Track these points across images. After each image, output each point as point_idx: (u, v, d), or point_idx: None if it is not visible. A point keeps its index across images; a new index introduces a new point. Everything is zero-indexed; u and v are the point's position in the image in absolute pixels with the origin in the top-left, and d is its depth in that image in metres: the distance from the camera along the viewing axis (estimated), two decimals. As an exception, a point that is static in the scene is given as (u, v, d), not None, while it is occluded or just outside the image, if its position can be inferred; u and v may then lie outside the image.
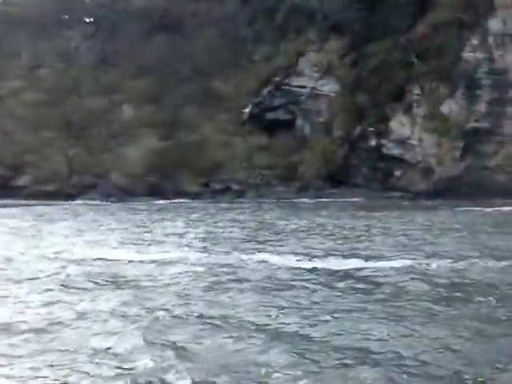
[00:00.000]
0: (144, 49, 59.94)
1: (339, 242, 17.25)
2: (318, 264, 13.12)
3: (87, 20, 65.98)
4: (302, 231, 20.57)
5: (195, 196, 48.39)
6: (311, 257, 14.14)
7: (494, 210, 30.24)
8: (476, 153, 41.26)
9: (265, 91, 58.37)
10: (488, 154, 40.86)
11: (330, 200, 45.03)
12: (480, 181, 39.21)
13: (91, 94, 57.99)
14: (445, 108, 43.56)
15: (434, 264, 12.94)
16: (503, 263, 13.11)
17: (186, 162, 52.47)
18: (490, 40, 41.28)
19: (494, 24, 41.06)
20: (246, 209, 35.63)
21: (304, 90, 57.05)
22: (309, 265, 13.04)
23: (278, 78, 57.79)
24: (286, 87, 57.28)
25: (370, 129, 47.97)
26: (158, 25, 61.30)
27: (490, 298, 9.68)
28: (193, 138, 55.81)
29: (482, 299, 9.65)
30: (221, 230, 21.20)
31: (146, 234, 20.30)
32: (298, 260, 13.73)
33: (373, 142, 47.85)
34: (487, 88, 41.52)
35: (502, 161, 40.02)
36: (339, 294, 10.29)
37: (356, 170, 48.68)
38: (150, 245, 17.24)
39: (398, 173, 46.36)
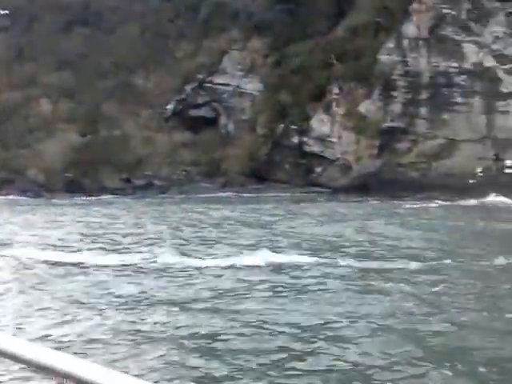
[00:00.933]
0: (63, 42, 57.95)
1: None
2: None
3: (2, 12, 62.86)
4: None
5: (116, 192, 47.86)
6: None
7: (403, 203, 32.74)
8: (391, 150, 42.72)
9: (188, 88, 58.04)
10: (402, 152, 42.38)
11: (252, 195, 45.67)
12: (395, 177, 40.61)
13: (6, 88, 55.34)
14: (362, 108, 44.92)
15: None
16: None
17: (108, 157, 51.45)
18: (405, 44, 42.97)
19: (409, 28, 42.90)
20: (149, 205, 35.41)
21: (227, 88, 57.05)
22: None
23: (201, 76, 57.57)
24: (210, 85, 57.10)
25: (293, 127, 48.67)
26: (77, 18, 59.38)
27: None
28: (114, 134, 54.76)
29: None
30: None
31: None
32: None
33: (295, 140, 48.63)
34: (402, 89, 43.08)
35: (415, 158, 41.61)
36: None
37: (279, 167, 49.31)
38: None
39: (318, 169, 47.29)
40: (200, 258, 14.31)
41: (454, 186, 36.97)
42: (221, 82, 56.69)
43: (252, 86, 55.33)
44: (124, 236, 18.60)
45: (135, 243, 16.96)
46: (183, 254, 14.70)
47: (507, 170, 33.90)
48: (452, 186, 37.26)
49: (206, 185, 53.53)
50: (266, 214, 25.66)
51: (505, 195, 30.83)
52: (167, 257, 14.28)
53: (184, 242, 17.19)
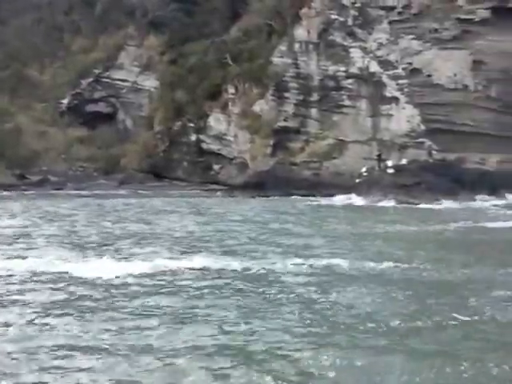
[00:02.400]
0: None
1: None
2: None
3: None
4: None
5: (9, 187, 45.14)
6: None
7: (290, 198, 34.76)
8: (285, 149, 42.92)
9: (84, 83, 56.03)
10: (295, 151, 42.65)
11: (148, 192, 44.83)
12: (289, 175, 40.95)
13: None
14: (257, 107, 44.70)
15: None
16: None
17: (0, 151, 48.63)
18: (296, 47, 43.02)
19: (299, 32, 43.09)
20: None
21: (125, 84, 55.95)
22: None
23: (97, 71, 55.74)
24: (107, 80, 55.78)
25: (190, 124, 47.92)
26: (-33, 7, 55.55)
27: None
28: (6, 127, 51.95)
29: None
30: None
31: None
32: None
33: (193, 137, 47.94)
34: (294, 91, 43.19)
35: (307, 157, 41.95)
36: None
37: (177, 164, 48.35)
38: None
39: (216, 167, 46.92)
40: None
41: (342, 184, 37.69)
42: (118, 77, 55.52)
43: (149, 82, 54.21)
44: None
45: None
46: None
47: (389, 170, 35.09)
48: (340, 184, 38.00)
49: (103, 181, 52.16)
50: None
51: (384, 194, 32.07)
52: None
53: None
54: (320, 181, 40.11)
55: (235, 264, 12.38)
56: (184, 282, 10.86)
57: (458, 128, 37.89)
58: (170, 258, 13.31)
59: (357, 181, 36.25)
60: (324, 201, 33.89)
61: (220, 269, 11.96)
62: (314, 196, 36.67)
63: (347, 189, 36.01)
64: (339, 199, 33.73)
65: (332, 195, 36.24)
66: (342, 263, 12.43)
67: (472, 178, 34.50)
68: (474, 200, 32.16)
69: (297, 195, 37.60)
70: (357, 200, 32.62)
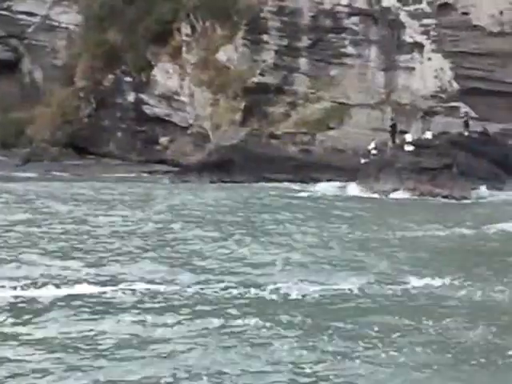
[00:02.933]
0: None
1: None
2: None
3: None
4: None
5: None
6: None
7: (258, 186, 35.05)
8: (262, 116, 43.06)
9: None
10: (276, 119, 42.78)
11: (65, 174, 44.25)
12: (266, 152, 40.92)
13: None
14: (222, 56, 44.71)
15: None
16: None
17: None
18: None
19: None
20: None
21: (32, 19, 55.62)
22: None
23: (-8, 0, 55.39)
24: (7, 14, 55.53)
25: (127, 79, 48.07)
26: None
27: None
28: None
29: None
30: None
31: None
32: None
33: (130, 97, 48.16)
34: (275, 33, 43.17)
35: (293, 127, 42.00)
36: None
37: (108, 135, 48.68)
38: None
39: (164, 140, 47.23)
40: None
41: (343, 166, 37.91)
42: (22, 9, 55.33)
43: (67, 17, 53.94)
44: None
45: None
46: None
47: (407, 147, 34.93)
48: (340, 166, 38.28)
49: (0, 158, 51.59)
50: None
51: (400, 181, 32.06)
52: None
53: None
54: (311, 161, 40.35)
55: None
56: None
57: (506, 88, 38.27)
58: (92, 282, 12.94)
59: (362, 161, 36.16)
60: (314, 188, 33.98)
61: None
62: (303, 182, 36.99)
63: (349, 172, 35.96)
64: (332, 188, 33.82)
65: (328, 180, 36.55)
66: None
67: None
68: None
69: (276, 181, 37.94)
70: (355, 190, 32.74)
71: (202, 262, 15.30)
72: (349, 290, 12.67)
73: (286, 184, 36.62)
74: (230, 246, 17.29)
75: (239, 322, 10.53)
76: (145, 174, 44.55)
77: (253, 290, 12.61)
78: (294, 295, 12.28)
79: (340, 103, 42.06)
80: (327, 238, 18.59)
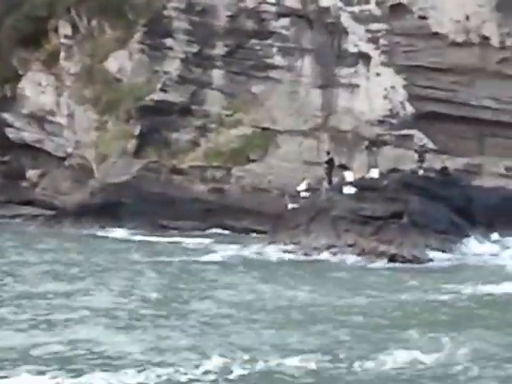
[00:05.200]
0: None
1: None
2: None
3: None
4: None
5: None
6: None
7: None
8: (162, 144, 43.34)
9: None
10: (181, 148, 43.29)
11: None
12: (166, 192, 41.29)
13: None
14: (112, 64, 45.13)
15: None
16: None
17: None
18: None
19: None
20: None
21: None
22: None
23: None
24: None
25: (-15, 92, 47.14)
26: None
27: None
28: None
29: None
30: None
31: None
32: None
33: (-12, 118, 47.28)
34: (182, 36, 43.79)
35: (202, 160, 42.56)
36: None
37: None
38: None
39: (33, 174, 47.13)
40: None
41: (266, 211, 38.30)
42: None
43: None
44: None
45: None
46: None
47: (347, 190, 34.63)
48: (262, 211, 38.77)
49: None
50: None
51: (336, 236, 31.57)
52: None
53: None
54: (224, 204, 40.88)
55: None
56: None
57: (473, 113, 38.76)
58: None
59: (289, 206, 35.95)
60: (221, 249, 33.05)
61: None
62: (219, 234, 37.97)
63: (273, 219, 36.07)
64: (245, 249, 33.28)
65: (248, 232, 37.49)
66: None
67: (493, 204, 35.06)
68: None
69: (179, 229, 38.59)
70: (271, 250, 32.29)
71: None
72: None
73: (187, 241, 36.18)
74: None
75: None
76: (6, 220, 44.34)
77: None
78: None
79: (264, 129, 42.49)
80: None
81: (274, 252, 31.99)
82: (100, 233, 39.16)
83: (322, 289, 23.38)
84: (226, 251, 32.35)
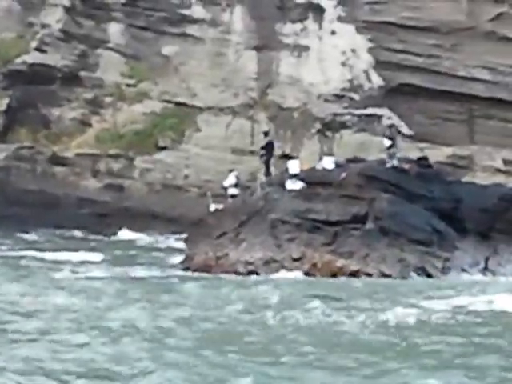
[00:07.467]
0: None
1: None
2: None
3: None
4: None
5: None
6: None
7: None
8: (37, 124, 43.74)
9: None
10: (64, 129, 43.60)
11: None
12: (43, 189, 41.69)
13: None
14: None
15: None
16: None
17: None
18: None
19: None
20: None
21: None
22: None
23: None
24: None
25: None
26: None
27: None
28: None
29: None
30: None
31: None
32: None
33: None
34: None
35: (94, 146, 42.89)
36: None
37: None
38: None
39: None
40: None
41: (180, 215, 39.30)
42: None
43: None
44: None
45: None
46: None
47: (291, 185, 34.05)
48: (174, 215, 39.82)
49: None
50: None
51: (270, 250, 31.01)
52: None
53: None
54: (123, 205, 41.52)
55: None
56: None
57: (459, 87, 40.04)
58: None
59: (212, 207, 35.27)
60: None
61: None
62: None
63: (190, 225, 36.35)
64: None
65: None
66: None
67: (487, 206, 34.45)
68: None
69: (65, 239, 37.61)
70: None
71: None
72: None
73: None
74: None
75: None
76: None
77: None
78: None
79: (179, 104, 43.52)
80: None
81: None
82: None
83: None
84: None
